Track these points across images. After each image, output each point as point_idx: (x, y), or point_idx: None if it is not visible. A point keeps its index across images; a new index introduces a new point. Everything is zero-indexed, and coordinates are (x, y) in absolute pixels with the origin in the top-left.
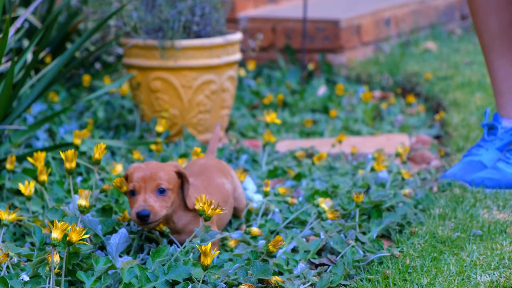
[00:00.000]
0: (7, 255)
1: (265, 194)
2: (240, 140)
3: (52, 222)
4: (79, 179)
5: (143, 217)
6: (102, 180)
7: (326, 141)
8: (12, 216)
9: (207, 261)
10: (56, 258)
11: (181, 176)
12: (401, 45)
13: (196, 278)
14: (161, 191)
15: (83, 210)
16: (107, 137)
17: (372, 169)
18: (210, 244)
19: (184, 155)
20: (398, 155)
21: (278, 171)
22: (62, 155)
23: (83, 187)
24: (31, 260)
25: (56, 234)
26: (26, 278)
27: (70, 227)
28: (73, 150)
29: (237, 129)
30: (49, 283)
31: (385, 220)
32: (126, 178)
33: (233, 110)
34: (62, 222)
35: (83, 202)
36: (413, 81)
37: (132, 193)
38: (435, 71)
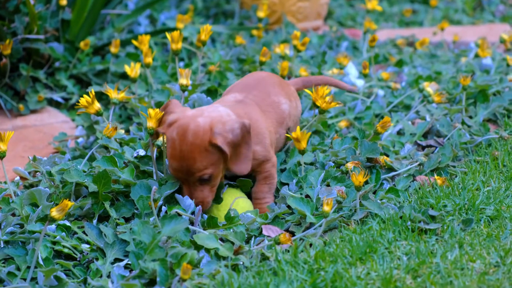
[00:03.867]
0: (115, 128)
1: (365, 76)
2: (339, 29)
3: (158, 103)
4: (181, 64)
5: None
6: (204, 65)
7: (426, 30)
8: (121, 95)
9: (302, 145)
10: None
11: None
12: None
13: (303, 163)
14: (203, 181)
15: (184, 89)
16: (207, 23)
17: (476, 56)
18: (298, 128)
19: (285, 41)
20: (502, 41)
21: (380, 57)
22: (168, 36)
23: None
24: (141, 139)
25: (151, 124)
26: (142, 153)
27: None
28: (178, 32)
29: (335, 18)
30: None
31: (492, 104)
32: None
33: (330, 0)
34: (157, 110)
35: (184, 81)
36: None
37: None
38: None
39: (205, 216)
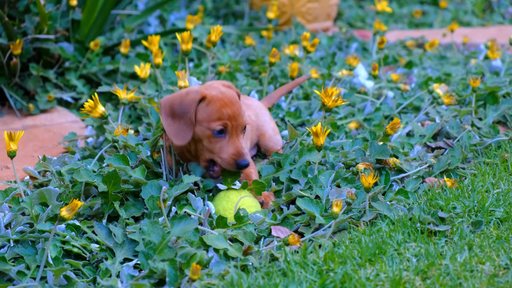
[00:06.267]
0: (127, 130)
1: (374, 77)
2: (349, 30)
3: None
4: (191, 64)
5: (243, 167)
6: (213, 66)
7: (435, 32)
8: (130, 95)
9: (320, 141)
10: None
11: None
12: None
13: (312, 162)
14: (244, 129)
15: None
16: (217, 24)
17: (486, 58)
18: (319, 123)
19: (295, 42)
20: None
21: (389, 59)
22: (178, 37)
23: (196, 72)
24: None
25: None
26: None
27: None
28: (188, 32)
29: (345, 19)
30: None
31: (502, 106)
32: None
33: (340, 1)
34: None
35: (182, 83)
36: None
37: (219, 132)
38: None
39: (214, 216)
